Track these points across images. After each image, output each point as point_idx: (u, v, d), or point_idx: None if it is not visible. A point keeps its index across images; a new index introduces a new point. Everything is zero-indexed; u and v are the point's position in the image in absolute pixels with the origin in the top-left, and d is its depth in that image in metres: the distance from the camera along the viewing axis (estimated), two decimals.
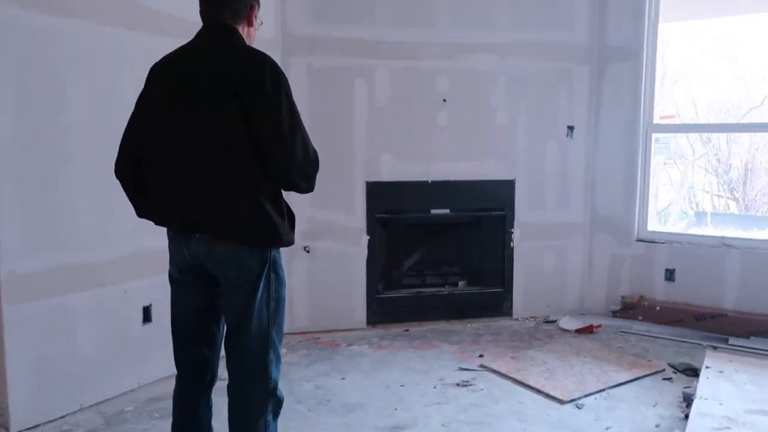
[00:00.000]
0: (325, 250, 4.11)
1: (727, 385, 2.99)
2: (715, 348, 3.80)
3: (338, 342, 3.97)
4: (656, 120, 4.37)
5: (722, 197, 11.32)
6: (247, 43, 2.00)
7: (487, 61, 4.20)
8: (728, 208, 11.11)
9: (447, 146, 4.20)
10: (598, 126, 4.42)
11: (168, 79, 1.95)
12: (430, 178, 4.19)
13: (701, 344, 3.88)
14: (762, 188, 12.68)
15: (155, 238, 2.05)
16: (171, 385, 2.13)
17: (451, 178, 4.24)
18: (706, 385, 2.98)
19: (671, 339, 3.99)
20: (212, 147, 1.84)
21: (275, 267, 1.95)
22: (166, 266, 2.06)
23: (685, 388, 3.12)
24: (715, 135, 7.68)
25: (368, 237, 4.16)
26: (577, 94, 4.38)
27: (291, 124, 1.87)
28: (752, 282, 3.96)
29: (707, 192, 10.36)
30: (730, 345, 3.84)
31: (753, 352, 3.69)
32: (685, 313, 4.12)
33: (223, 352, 2.04)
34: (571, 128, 4.39)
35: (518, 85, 4.26)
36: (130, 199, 2.07)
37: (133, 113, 2.02)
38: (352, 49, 3.98)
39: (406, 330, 4.22)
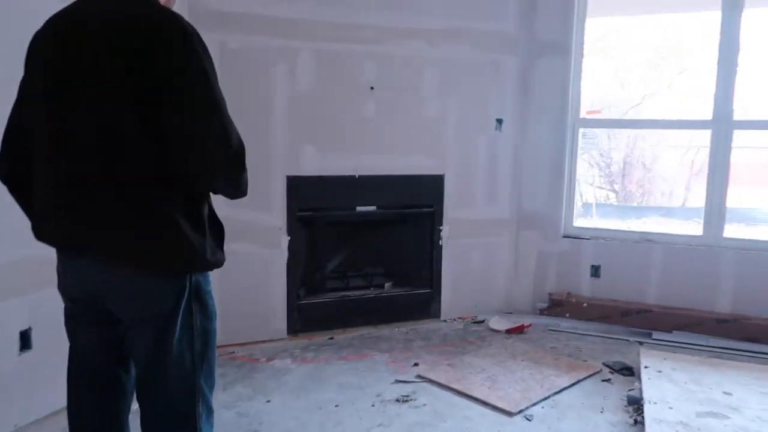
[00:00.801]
0: (240, 253, 3.64)
1: (669, 386, 2.94)
2: (641, 343, 3.81)
3: (257, 356, 3.55)
4: (582, 114, 4.32)
5: (604, 189, 12.02)
6: (161, 2, 1.55)
7: (417, 48, 3.92)
8: (608, 199, 11.83)
9: (374, 138, 3.88)
10: (527, 120, 4.30)
11: (50, 49, 1.46)
12: (356, 173, 3.86)
13: (628, 340, 3.89)
14: (638, 180, 13.67)
15: (37, 243, 1.56)
16: (60, 425, 1.65)
17: (379, 173, 3.94)
18: (650, 388, 2.91)
19: (599, 336, 3.96)
20: (104, 140, 1.39)
21: (199, 296, 1.54)
22: (50, 278, 1.58)
23: (629, 390, 3.04)
24: (597, 131, 7.96)
25: (288, 237, 3.76)
26: (507, 87, 4.23)
27: (211, 105, 1.46)
28: (673, 276, 4.02)
29: (590, 184, 10.95)
30: (655, 340, 3.87)
31: (678, 347, 3.73)
32: (611, 310, 4.11)
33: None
34: (500, 121, 4.23)
35: (448, 75, 4.03)
36: (23, 211, 1.57)
37: (18, 94, 1.52)
38: (274, 28, 3.54)
39: (331, 338, 3.87)
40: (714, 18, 4.00)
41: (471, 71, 4.09)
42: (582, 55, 4.20)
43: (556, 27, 4.15)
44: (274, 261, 3.76)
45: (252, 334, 3.74)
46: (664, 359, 3.33)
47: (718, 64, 3.89)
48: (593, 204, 10.22)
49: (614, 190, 12.75)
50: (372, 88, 3.82)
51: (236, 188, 1.54)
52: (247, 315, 3.71)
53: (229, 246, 3.48)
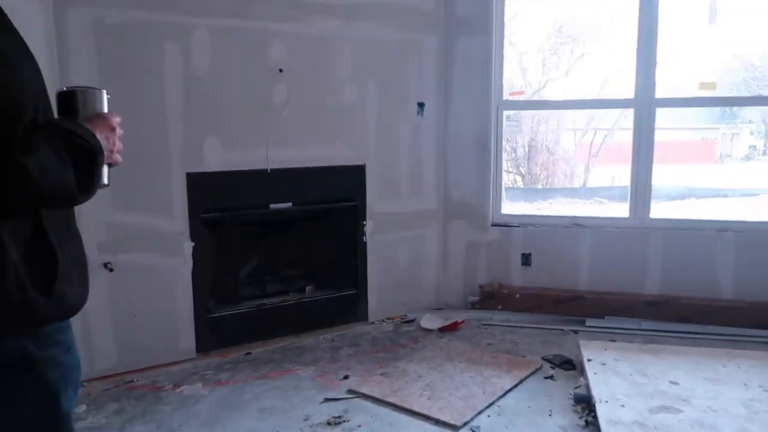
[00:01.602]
0: (134, 264, 3.14)
1: (616, 381, 2.78)
2: (576, 332, 3.69)
3: (161, 383, 3.06)
4: (506, 96, 4.12)
5: (510, 173, 12.29)
6: None
7: (331, 26, 3.54)
8: (515, 182, 12.09)
9: (287, 127, 3.47)
10: (449, 103, 4.04)
11: None
12: (268, 166, 3.43)
13: (563, 330, 3.75)
14: (542, 163, 14.10)
15: None
16: None
17: (293, 165, 3.54)
18: (598, 384, 2.74)
19: (534, 327, 3.80)
20: None
21: (32, 366, 1.12)
22: None
23: (575, 388, 2.86)
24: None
25: (193, 243, 3.28)
26: (428, 68, 3.95)
27: None
28: (603, 261, 3.93)
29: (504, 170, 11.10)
30: (589, 327, 3.76)
31: (612, 332, 3.64)
32: (543, 299, 3.96)
33: None
34: (421, 105, 3.94)
35: (365, 56, 3.68)
36: None
37: None
38: (160, 2, 3.03)
39: (248, 353, 3.44)
40: None
41: (389, 52, 3.77)
42: (503, 32, 3.99)
43: (475, 2, 3.90)
44: (177, 271, 3.27)
45: (155, 357, 3.24)
46: (605, 350, 3.19)
47: (638, 40, 3.80)
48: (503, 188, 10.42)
49: (521, 174, 13.04)
50: (281, 70, 3.40)
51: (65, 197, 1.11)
52: (148, 335, 3.21)
53: (122, 256, 3.01)
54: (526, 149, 13.34)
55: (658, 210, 3.92)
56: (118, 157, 1.30)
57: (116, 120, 1.30)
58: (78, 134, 1.16)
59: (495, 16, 3.92)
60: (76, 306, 1.20)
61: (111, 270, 3.05)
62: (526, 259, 4.05)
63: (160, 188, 3.16)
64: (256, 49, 3.32)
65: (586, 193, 12.46)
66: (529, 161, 13.69)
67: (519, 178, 12.22)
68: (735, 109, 14.93)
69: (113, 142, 1.28)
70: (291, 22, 3.40)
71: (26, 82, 1.14)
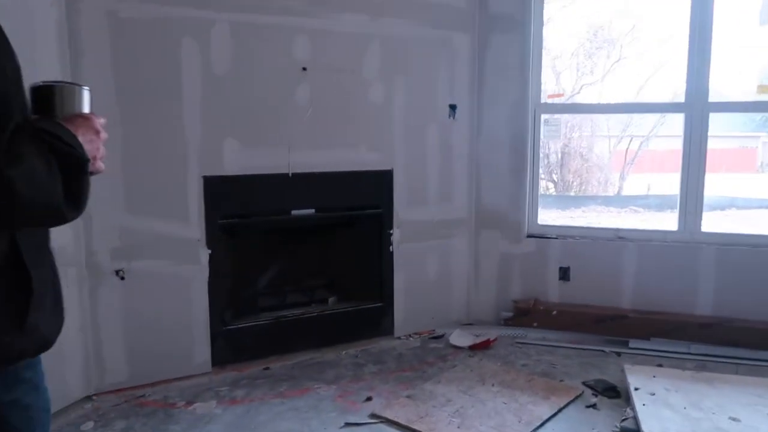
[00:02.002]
0: (148, 272, 2.97)
1: (668, 414, 2.50)
2: (618, 354, 3.40)
3: (173, 399, 2.88)
4: (544, 99, 3.85)
5: (543, 179, 11.98)
6: None
7: (358, 22, 3.33)
8: (548, 189, 11.78)
9: (310, 129, 3.27)
10: (483, 105, 3.79)
11: None
12: (290, 171, 3.24)
13: (604, 351, 3.46)
14: (576, 170, 13.73)
15: None
16: None
17: (317, 170, 3.33)
18: (648, 418, 2.46)
19: (572, 347, 3.52)
20: None
21: None
22: None
23: (622, 421, 2.58)
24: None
25: (209, 251, 3.10)
26: (460, 68, 3.71)
27: None
28: (648, 278, 3.62)
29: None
30: (633, 349, 3.46)
31: (659, 356, 3.34)
32: (583, 317, 3.68)
33: None
34: (453, 107, 3.71)
35: (394, 53, 3.46)
36: None
37: None
38: None
39: (266, 368, 3.25)
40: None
41: (419, 50, 3.54)
42: (542, 30, 3.73)
43: None
44: (193, 280, 3.09)
45: (168, 371, 3.06)
46: (654, 377, 2.90)
47: (690, 41, 3.50)
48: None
49: (553, 181, 12.71)
50: (305, 69, 3.20)
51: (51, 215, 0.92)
52: (161, 348, 3.03)
53: (135, 264, 2.84)
54: (559, 155, 13.04)
55: (705, 222, 3.60)
56: (101, 165, 1.11)
57: (100, 122, 1.10)
58: (64, 140, 0.97)
59: (533, 12, 3.67)
60: (49, 340, 1.01)
61: (122, 278, 2.88)
62: (564, 274, 3.77)
63: (175, 192, 2.98)
64: (279, 46, 3.13)
65: (621, 201, 12.07)
66: (562, 168, 13.37)
67: (551, 185, 11.92)
68: None
69: (97, 147, 1.08)
70: (316, 17, 3.20)
71: (10, 84, 0.95)
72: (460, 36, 3.68)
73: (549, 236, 3.83)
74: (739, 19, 5.14)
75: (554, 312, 3.72)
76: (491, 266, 3.90)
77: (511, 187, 3.81)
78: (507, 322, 3.83)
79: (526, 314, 3.78)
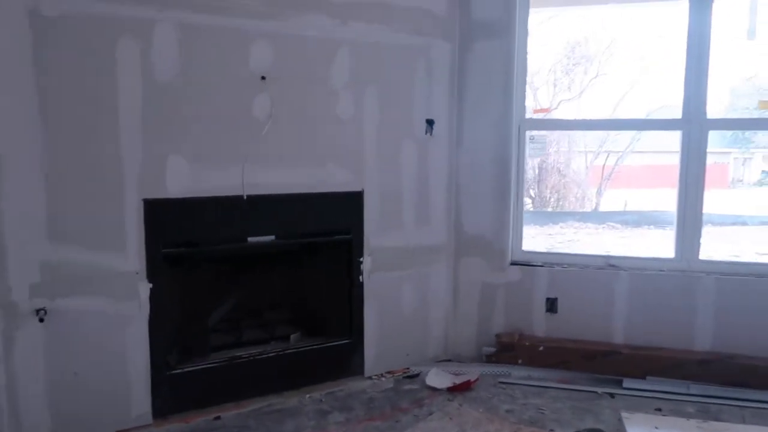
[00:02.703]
0: (75, 312, 2.54)
1: None
2: (612, 395, 3.08)
3: None
4: (529, 114, 3.54)
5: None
6: None
7: (326, 26, 2.97)
8: (525, 205, 11.55)
9: (269, 145, 2.89)
10: (462, 120, 3.46)
11: None
12: (245, 192, 2.85)
13: (596, 392, 3.13)
14: (553, 186, 13.61)
15: None
16: None
17: (277, 191, 2.95)
18: None
19: (562, 388, 3.18)
20: None
21: None
22: None
23: None
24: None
25: (150, 285, 2.68)
26: (438, 78, 3.38)
27: None
28: (642, 310, 3.32)
29: None
30: (627, 389, 3.15)
31: (656, 398, 3.02)
32: (571, 353, 3.34)
33: None
34: (430, 122, 3.36)
35: (365, 61, 3.11)
36: None
37: None
38: None
39: (217, 418, 2.83)
40: (668, 9, 3.35)
41: (393, 58, 3.20)
42: (527, 38, 3.42)
43: (495, 3, 3.34)
44: (130, 319, 2.67)
45: (101, 427, 2.63)
46: (656, 428, 2.57)
47: (688, 56, 3.23)
48: None
49: (530, 196, 12.55)
50: (264, 78, 2.83)
51: None
52: (92, 399, 2.60)
53: (59, 302, 2.39)
54: (536, 171, 12.89)
55: (707, 251, 3.32)
56: None
57: None
58: None
59: (518, 19, 3.36)
60: None
61: (41, 320, 2.44)
62: (551, 305, 3.44)
63: (110, 217, 2.57)
64: (235, 51, 2.75)
65: (599, 217, 11.93)
66: (539, 183, 13.22)
67: (528, 201, 11.73)
68: (749, 133, 14.41)
69: None
70: (277, 19, 2.83)
71: None
72: (439, 44, 3.35)
73: (534, 264, 3.50)
74: (728, 34, 4.94)
75: (540, 347, 3.38)
76: (472, 297, 3.55)
77: (493, 210, 3.48)
78: (489, 359, 3.48)
79: (510, 350, 3.43)
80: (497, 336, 3.49)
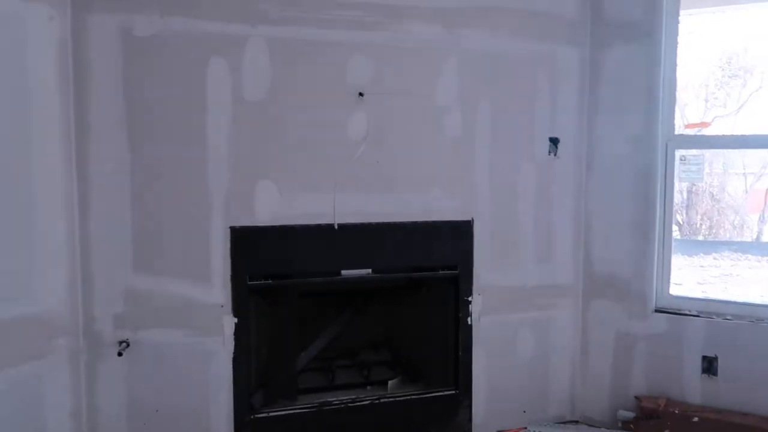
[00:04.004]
0: (158, 345, 2.40)
1: None
2: None
3: None
4: (679, 130, 2.92)
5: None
6: None
7: (431, 35, 2.65)
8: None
9: (366, 169, 2.60)
10: (594, 137, 2.94)
11: None
12: (338, 221, 2.57)
13: None
14: (705, 212, 12.06)
15: None
16: None
17: (373, 220, 2.64)
18: None
19: None
20: None
21: None
22: None
23: None
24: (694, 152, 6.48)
25: (235, 319, 2.48)
26: (564, 91, 2.90)
27: None
28: None
29: None
30: None
31: None
32: (736, 429, 2.64)
33: None
34: (554, 141, 2.89)
35: (477, 73, 2.73)
36: None
37: None
38: (206, 6, 2.34)
39: None
40: None
41: (510, 68, 2.79)
42: (676, 41, 2.83)
43: (635, 1, 2.82)
44: (214, 355, 2.48)
45: None
46: None
47: None
48: None
49: (678, 223, 11.26)
50: (361, 94, 2.55)
51: None
52: None
53: (142, 334, 2.22)
54: (685, 195, 11.56)
55: None
56: None
57: None
58: None
59: (665, 19, 2.80)
60: None
61: (120, 354, 2.32)
62: (709, 365, 2.76)
63: (195, 246, 2.41)
64: (329, 67, 2.51)
65: (761, 248, 10.34)
66: (688, 208, 11.85)
67: (676, 228, 10.58)
68: None
69: None
70: (377, 30, 2.56)
71: None
72: (564, 50, 2.88)
73: (687, 312, 2.84)
74: None
75: (695, 418, 2.71)
76: (605, 349, 2.97)
77: (633, 245, 2.89)
78: (627, 426, 2.86)
79: (654, 417, 2.79)
80: (637, 398, 2.87)
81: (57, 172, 2.21)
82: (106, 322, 2.34)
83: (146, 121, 2.31)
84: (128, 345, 2.34)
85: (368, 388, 2.90)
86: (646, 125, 2.84)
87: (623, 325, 2.93)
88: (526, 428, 2.92)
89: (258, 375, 2.65)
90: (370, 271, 2.69)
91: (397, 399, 2.82)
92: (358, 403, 2.75)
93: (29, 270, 2.14)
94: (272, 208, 2.49)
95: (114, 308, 2.35)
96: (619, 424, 2.90)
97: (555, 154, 2.90)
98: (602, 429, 2.91)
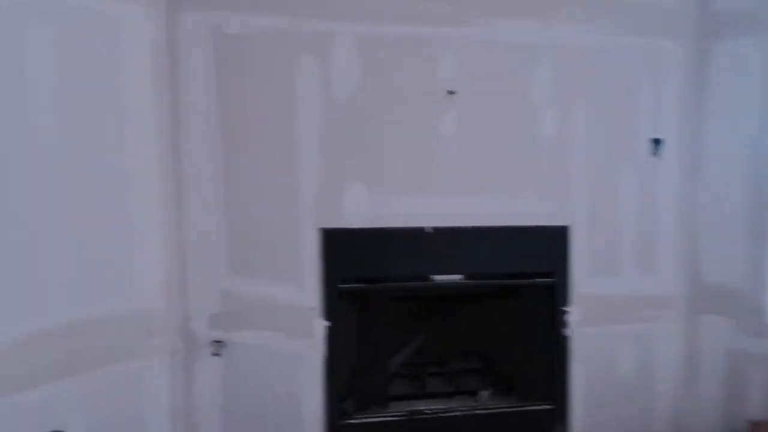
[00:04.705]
0: (250, 346, 2.41)
1: None
2: None
3: None
4: None
5: None
6: None
7: (525, 31, 2.56)
8: None
9: (458, 170, 2.53)
10: (702, 137, 2.74)
11: None
12: (428, 224, 2.51)
13: None
14: None
15: None
16: None
17: (466, 224, 2.56)
18: None
19: None
20: None
21: None
22: None
23: None
24: None
25: (325, 322, 2.46)
26: (667, 87, 2.73)
27: None
28: None
29: None
30: None
31: None
32: None
33: None
34: (657, 142, 2.71)
35: (573, 70, 2.61)
36: None
37: None
38: (295, 3, 2.36)
39: None
40: None
41: (608, 65, 2.65)
42: None
43: None
44: (304, 358, 2.46)
45: None
46: None
47: None
48: None
49: None
50: (451, 92, 2.49)
51: None
52: None
53: (236, 334, 2.30)
54: None
55: None
56: None
57: None
58: None
59: None
60: None
61: (217, 354, 2.34)
62: None
63: (285, 248, 2.41)
64: (419, 64, 2.47)
65: None
66: None
67: None
68: None
69: None
70: (468, 25, 2.49)
71: None
72: (667, 44, 2.71)
73: None
74: None
75: None
76: (715, 366, 2.73)
77: (747, 255, 2.65)
78: None
79: None
80: (752, 423, 2.61)
81: (152, 173, 2.26)
82: (201, 323, 2.37)
83: (237, 120, 2.34)
84: (223, 345, 2.36)
85: (458, 398, 2.79)
86: (761, 125, 2.61)
87: (736, 341, 2.68)
88: None
89: (349, 380, 2.60)
90: (461, 276, 2.60)
91: (490, 411, 2.70)
92: (450, 414, 2.65)
93: (129, 269, 2.19)
94: (361, 209, 2.46)
95: (209, 308, 2.37)
96: None
97: (658, 156, 2.72)
98: None
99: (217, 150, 2.34)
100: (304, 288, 2.44)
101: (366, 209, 2.46)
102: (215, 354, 2.34)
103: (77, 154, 2.01)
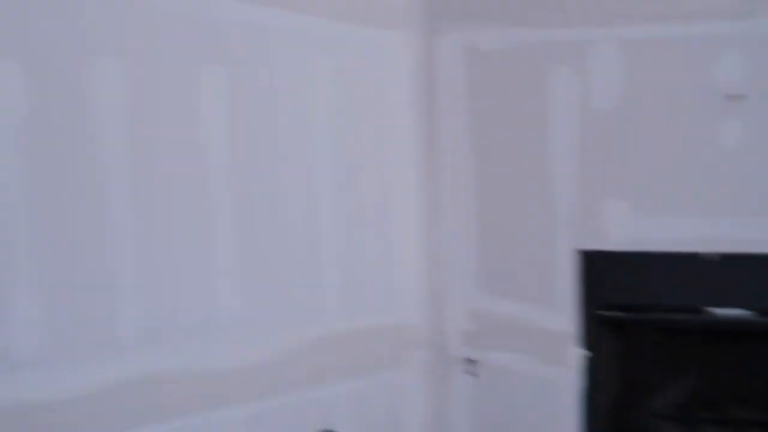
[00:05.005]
0: (500, 368, 2.37)
1: None
2: None
3: None
4: None
5: None
6: None
7: None
8: None
9: (741, 186, 2.17)
10: None
11: None
12: (707, 248, 2.19)
13: None
14: None
15: None
16: None
17: (753, 250, 2.17)
18: None
19: None
20: None
21: None
22: None
23: None
24: None
25: (582, 350, 2.30)
26: None
27: None
28: None
29: None
30: None
31: None
32: None
33: None
34: None
35: None
36: None
37: None
38: (547, 12, 2.30)
39: None
40: None
41: None
42: None
43: None
44: (559, 387, 2.33)
45: None
46: None
47: None
48: None
49: None
50: (733, 97, 2.16)
51: None
52: None
53: (488, 354, 2.29)
54: None
55: None
56: None
57: None
58: None
59: None
60: None
61: (472, 374, 2.35)
62: None
63: (537, 268, 2.33)
64: (691, 67, 2.19)
65: None
66: None
67: None
68: None
69: None
70: (752, 18, 2.15)
71: None
72: None
73: None
74: None
75: None
76: None
77: None
78: None
79: None
80: None
81: (411, 196, 2.38)
82: (454, 338, 2.42)
83: (489, 136, 2.35)
84: (476, 364, 2.36)
85: None
86: None
87: None
88: None
89: (606, 416, 2.39)
90: (748, 311, 2.21)
91: None
92: None
93: (390, 285, 2.33)
94: (624, 230, 2.26)
95: (461, 325, 2.41)
96: None
97: None
98: None
99: (470, 169, 2.38)
100: (558, 311, 2.32)
101: (630, 230, 2.24)
102: (468, 372, 2.35)
103: (350, 182, 2.21)
